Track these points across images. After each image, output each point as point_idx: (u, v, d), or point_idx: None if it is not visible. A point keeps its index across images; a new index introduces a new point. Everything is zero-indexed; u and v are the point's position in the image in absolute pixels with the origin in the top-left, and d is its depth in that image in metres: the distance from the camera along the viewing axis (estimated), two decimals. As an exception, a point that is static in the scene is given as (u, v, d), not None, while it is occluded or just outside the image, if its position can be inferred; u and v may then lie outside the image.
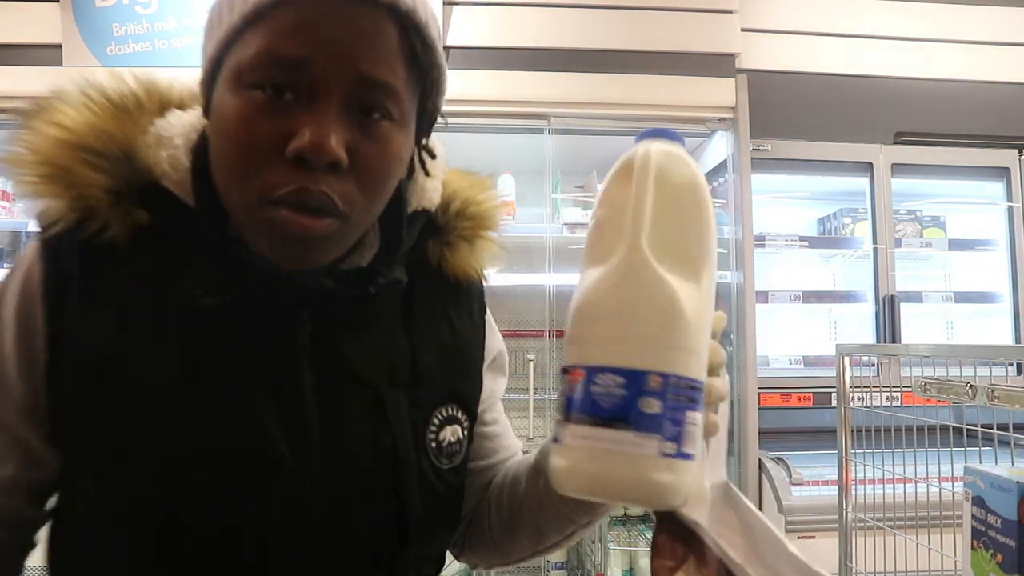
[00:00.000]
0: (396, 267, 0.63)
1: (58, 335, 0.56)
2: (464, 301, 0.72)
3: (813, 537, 2.07)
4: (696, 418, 0.45)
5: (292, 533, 0.56)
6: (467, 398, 0.68)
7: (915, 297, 2.53)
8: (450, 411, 0.66)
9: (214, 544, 0.54)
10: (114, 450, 0.55)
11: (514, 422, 0.93)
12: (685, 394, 0.44)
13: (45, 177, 0.57)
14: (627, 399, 0.43)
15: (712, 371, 0.49)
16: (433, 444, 0.63)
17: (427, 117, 0.61)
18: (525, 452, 0.76)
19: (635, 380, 0.43)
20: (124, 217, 0.57)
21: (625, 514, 2.63)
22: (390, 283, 0.62)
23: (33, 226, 0.62)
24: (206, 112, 0.58)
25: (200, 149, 0.58)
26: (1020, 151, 2.61)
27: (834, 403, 1.58)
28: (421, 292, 0.67)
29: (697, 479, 0.46)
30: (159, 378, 0.55)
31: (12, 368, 0.58)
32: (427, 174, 0.65)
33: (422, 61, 0.56)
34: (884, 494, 1.42)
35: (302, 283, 0.57)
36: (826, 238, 2.69)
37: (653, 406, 0.43)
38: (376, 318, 0.63)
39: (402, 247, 0.63)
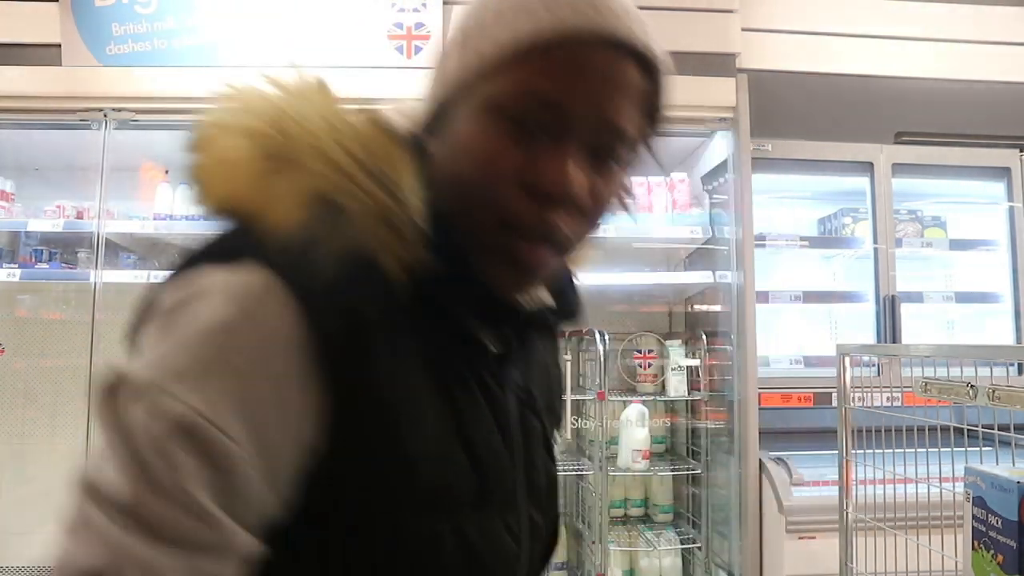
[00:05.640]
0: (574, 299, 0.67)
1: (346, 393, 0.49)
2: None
3: (813, 537, 2.07)
4: None
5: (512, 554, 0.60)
6: (559, 421, 0.77)
7: (916, 297, 2.53)
8: (555, 434, 0.72)
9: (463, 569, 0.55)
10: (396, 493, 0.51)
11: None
12: None
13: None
14: None
15: None
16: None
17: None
18: None
19: None
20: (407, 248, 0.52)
21: (625, 515, 2.63)
22: (564, 315, 0.66)
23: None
24: (430, 130, 0.58)
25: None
26: (1021, 151, 2.61)
27: (834, 403, 1.58)
28: None
29: None
30: (437, 422, 0.53)
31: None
32: (628, 212, 0.66)
33: (657, 114, 0.58)
34: (885, 494, 1.42)
35: (543, 320, 0.61)
36: (826, 238, 2.69)
37: None
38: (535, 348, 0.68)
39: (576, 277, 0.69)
